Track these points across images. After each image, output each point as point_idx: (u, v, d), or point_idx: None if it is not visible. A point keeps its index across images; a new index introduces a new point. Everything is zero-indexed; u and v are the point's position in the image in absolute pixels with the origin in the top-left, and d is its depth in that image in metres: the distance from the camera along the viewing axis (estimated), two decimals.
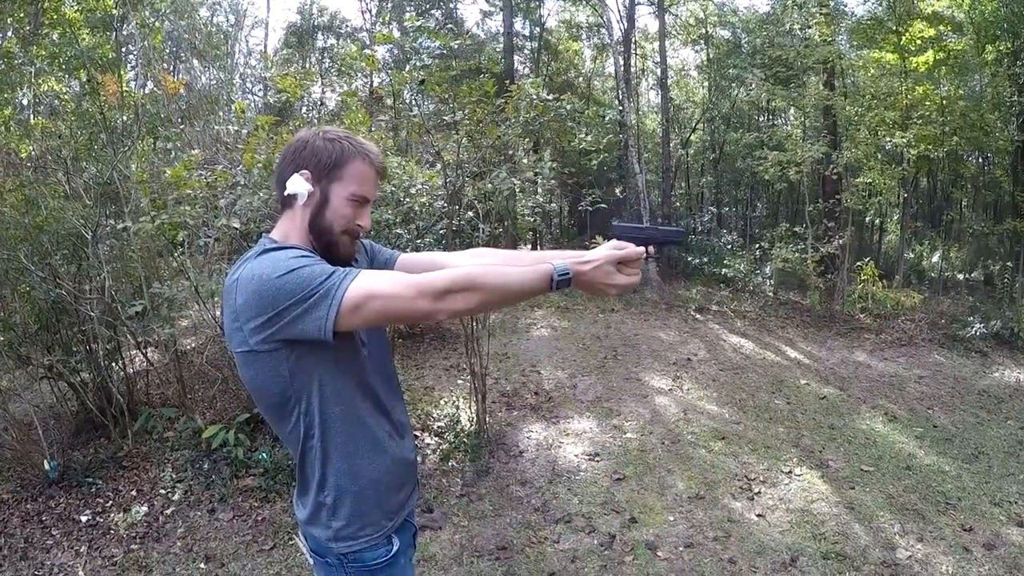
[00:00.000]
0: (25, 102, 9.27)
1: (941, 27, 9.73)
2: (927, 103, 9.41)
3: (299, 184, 1.29)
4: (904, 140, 8.50)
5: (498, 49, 13.30)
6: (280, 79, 3.63)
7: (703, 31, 13.73)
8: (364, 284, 1.16)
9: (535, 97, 3.60)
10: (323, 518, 1.33)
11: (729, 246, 11.18)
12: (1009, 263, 9.41)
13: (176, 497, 3.62)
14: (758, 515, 3.45)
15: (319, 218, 1.31)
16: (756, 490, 3.73)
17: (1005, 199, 10.88)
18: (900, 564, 2.99)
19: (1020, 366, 6.48)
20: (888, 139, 8.85)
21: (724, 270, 10.26)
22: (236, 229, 3.16)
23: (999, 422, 4.99)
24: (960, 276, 11.47)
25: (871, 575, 2.91)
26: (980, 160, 12.91)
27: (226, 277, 1.29)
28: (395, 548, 1.38)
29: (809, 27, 10.28)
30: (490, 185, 3.93)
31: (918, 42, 9.67)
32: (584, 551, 3.11)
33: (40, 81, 8.94)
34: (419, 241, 4.88)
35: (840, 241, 8.74)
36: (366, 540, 1.34)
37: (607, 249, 1.31)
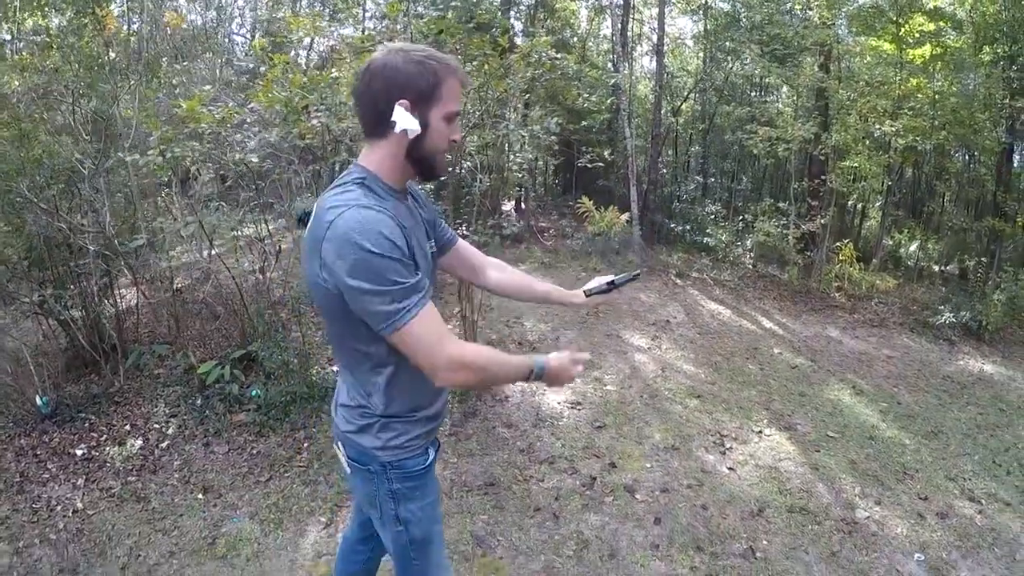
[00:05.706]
0: (8, 37, 8.92)
1: (941, 23, 9.73)
2: (919, 95, 9.44)
3: (408, 119, 1.27)
4: (893, 129, 8.55)
5: (495, 3, 13.03)
6: (293, 20, 3.61)
7: (702, 2, 13.56)
8: (420, 326, 1.25)
9: (545, 54, 3.64)
10: (375, 430, 1.45)
11: (712, 216, 11.17)
12: (984, 259, 9.54)
13: (170, 431, 3.68)
14: (729, 468, 3.64)
15: (421, 146, 1.32)
16: (728, 446, 3.91)
17: (987, 198, 10.94)
18: (859, 523, 3.18)
19: (984, 357, 6.61)
20: (878, 126, 8.90)
21: (706, 239, 10.28)
22: (254, 164, 3.18)
23: (960, 406, 5.13)
24: (936, 267, 11.65)
25: (832, 530, 3.10)
26: (966, 157, 13.06)
27: (321, 199, 1.32)
28: (430, 459, 1.54)
29: (810, 9, 10.26)
30: (490, 136, 3.96)
31: (917, 35, 9.64)
32: (567, 490, 3.28)
33: (26, 16, 8.61)
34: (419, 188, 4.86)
35: (822, 220, 8.88)
36: (411, 450, 1.47)
37: (569, 354, 1.49)
